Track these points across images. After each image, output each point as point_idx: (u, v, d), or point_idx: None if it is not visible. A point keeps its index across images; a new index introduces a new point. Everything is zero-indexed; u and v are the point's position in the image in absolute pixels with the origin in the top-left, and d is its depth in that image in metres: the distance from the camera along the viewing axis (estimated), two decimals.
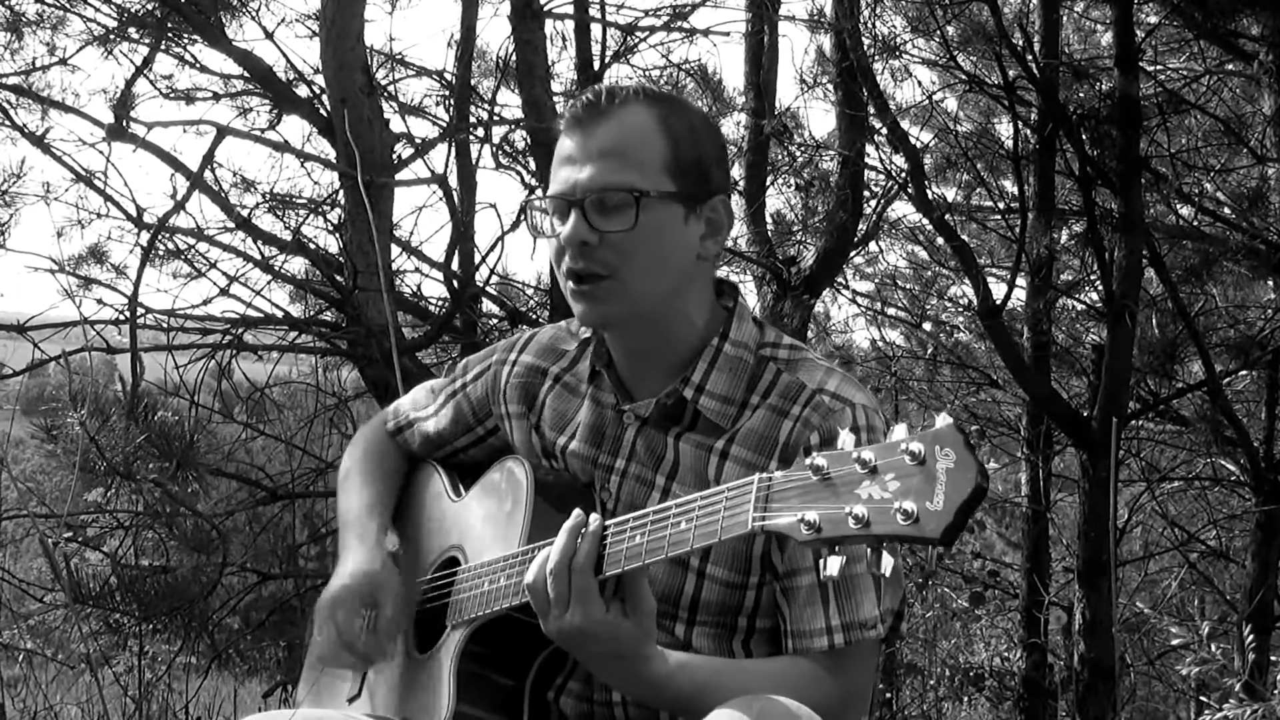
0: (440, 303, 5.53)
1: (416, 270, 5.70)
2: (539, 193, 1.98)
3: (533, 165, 5.40)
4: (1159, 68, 6.88)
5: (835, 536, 1.46)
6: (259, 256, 5.14)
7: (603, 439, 2.00)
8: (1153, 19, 6.46)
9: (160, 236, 4.89)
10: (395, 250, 5.29)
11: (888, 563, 1.45)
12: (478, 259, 5.23)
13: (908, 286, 8.99)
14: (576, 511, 1.74)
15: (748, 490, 1.57)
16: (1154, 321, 6.30)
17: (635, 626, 1.71)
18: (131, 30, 5.33)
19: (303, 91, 5.39)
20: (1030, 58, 5.79)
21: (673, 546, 1.64)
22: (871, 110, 5.85)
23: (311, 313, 5.47)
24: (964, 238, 6.43)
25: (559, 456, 2.04)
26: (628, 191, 1.85)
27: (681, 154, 1.89)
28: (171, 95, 5.61)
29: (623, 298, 1.88)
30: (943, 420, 1.43)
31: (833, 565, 1.47)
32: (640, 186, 1.86)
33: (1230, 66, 6.97)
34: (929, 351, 8.44)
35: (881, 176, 6.38)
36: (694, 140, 1.91)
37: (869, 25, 5.87)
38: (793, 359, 1.94)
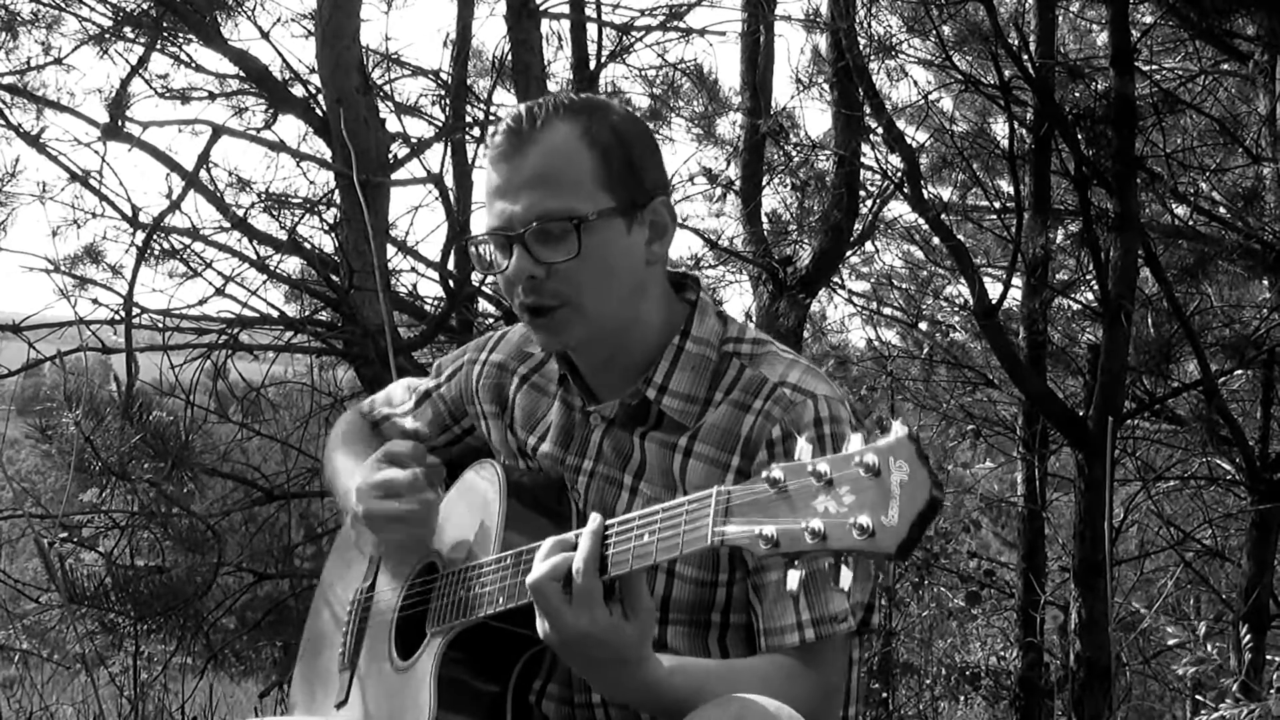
0: (436, 302, 5.53)
1: (412, 270, 5.72)
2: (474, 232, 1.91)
3: None
4: (1154, 67, 6.89)
5: (793, 551, 1.45)
6: (254, 256, 5.12)
7: (571, 440, 2.00)
8: (1148, 19, 6.48)
9: (155, 236, 4.88)
10: (391, 250, 5.29)
11: (846, 576, 1.43)
12: None
13: (904, 286, 9.00)
14: (595, 515, 1.70)
15: (706, 503, 1.55)
16: (1149, 321, 6.31)
17: (636, 629, 1.68)
18: (127, 29, 5.32)
19: (298, 91, 5.39)
20: (1026, 57, 5.79)
21: (637, 559, 1.62)
22: (867, 110, 5.85)
23: (307, 313, 5.46)
24: (960, 237, 6.43)
25: (531, 456, 2.05)
26: (566, 219, 1.81)
27: (612, 163, 1.84)
28: (167, 95, 5.61)
29: (580, 323, 1.87)
30: (897, 430, 1.41)
31: (793, 579, 1.46)
32: (578, 210, 1.81)
33: (1226, 66, 6.98)
34: (925, 351, 8.45)
35: (877, 176, 6.38)
36: (621, 145, 1.86)
37: (865, 25, 5.88)
38: (756, 353, 1.92)
